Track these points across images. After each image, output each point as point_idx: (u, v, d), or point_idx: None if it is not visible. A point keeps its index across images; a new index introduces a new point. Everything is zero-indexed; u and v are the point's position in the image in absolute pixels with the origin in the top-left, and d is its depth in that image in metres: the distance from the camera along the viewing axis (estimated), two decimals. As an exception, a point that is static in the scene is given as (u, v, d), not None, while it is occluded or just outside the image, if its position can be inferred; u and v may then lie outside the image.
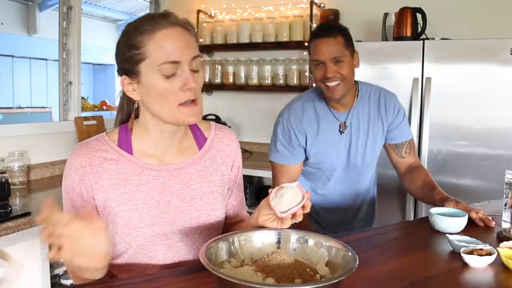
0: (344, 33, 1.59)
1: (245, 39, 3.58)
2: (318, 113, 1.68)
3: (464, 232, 1.28)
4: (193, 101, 1.01)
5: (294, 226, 1.02)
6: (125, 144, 1.07)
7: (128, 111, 1.11)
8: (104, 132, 1.10)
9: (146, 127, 1.07)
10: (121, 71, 1.04)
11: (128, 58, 1.00)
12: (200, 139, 1.16)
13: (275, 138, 1.72)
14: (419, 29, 2.71)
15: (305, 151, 1.70)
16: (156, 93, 0.99)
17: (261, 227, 1.06)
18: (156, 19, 0.99)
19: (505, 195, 1.24)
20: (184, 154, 1.12)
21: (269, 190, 1.00)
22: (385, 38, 2.86)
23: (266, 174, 2.95)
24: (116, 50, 1.04)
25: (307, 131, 1.67)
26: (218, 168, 1.15)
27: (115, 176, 1.04)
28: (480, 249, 1.07)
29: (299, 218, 0.97)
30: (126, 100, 1.11)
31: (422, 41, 2.49)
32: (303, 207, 0.96)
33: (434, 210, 1.34)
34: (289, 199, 0.96)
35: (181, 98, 0.99)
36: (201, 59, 1.04)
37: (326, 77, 1.56)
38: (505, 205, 1.24)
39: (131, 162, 1.06)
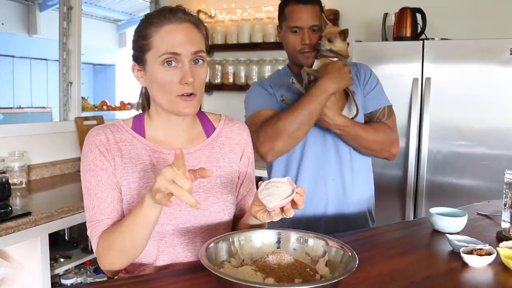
0: (320, 2, 1.58)
1: (245, 39, 3.58)
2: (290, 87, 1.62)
3: (464, 232, 1.28)
4: (191, 94, 1.05)
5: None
6: (138, 128, 1.14)
7: (146, 97, 1.18)
8: (120, 119, 1.17)
9: (154, 114, 1.13)
10: (133, 57, 1.11)
11: (138, 47, 1.07)
12: (209, 129, 1.20)
13: (249, 97, 1.63)
14: (419, 29, 2.71)
15: None
16: (157, 83, 1.05)
17: (257, 226, 1.06)
18: (165, 14, 1.04)
19: (504, 195, 1.24)
20: (193, 142, 1.16)
21: (259, 183, 0.99)
22: (385, 38, 2.87)
23: (265, 174, 2.95)
24: (132, 37, 1.11)
25: (277, 93, 1.61)
26: (226, 155, 1.18)
27: (128, 155, 1.09)
28: (480, 249, 1.07)
29: (289, 214, 0.95)
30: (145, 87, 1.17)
31: (421, 41, 2.50)
32: (293, 202, 0.95)
33: (434, 210, 1.34)
34: (280, 193, 0.95)
35: (179, 90, 1.04)
36: (205, 55, 1.08)
37: (304, 44, 1.53)
38: (505, 205, 1.24)
39: (143, 144, 1.11)
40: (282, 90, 1.62)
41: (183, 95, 1.04)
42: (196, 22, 1.08)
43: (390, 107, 1.63)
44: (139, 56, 1.07)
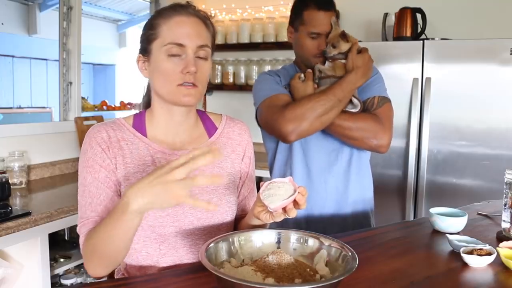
0: (335, 8, 1.58)
1: (245, 39, 3.58)
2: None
3: (464, 232, 1.28)
4: (193, 85, 1.05)
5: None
6: (139, 127, 1.13)
7: (149, 95, 1.17)
8: (120, 117, 1.16)
9: (157, 113, 1.13)
10: (139, 50, 1.12)
11: (145, 37, 1.09)
12: (210, 129, 1.20)
13: (260, 85, 1.60)
14: (419, 29, 2.71)
15: None
16: (160, 72, 1.06)
17: (259, 226, 1.06)
18: (176, 7, 1.07)
19: (504, 195, 1.24)
20: (195, 142, 1.15)
21: (261, 184, 0.99)
22: (385, 38, 2.87)
23: (266, 174, 2.95)
24: (142, 31, 1.12)
25: (284, 83, 1.61)
26: (228, 156, 1.18)
27: (130, 155, 1.08)
28: (480, 249, 1.07)
29: (292, 214, 0.95)
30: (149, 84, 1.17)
31: (422, 41, 2.49)
32: (295, 202, 0.95)
33: (434, 210, 1.34)
34: (282, 193, 0.95)
35: (180, 79, 1.04)
36: (210, 51, 1.09)
37: (321, 49, 1.53)
38: (505, 205, 1.24)
39: (145, 143, 1.11)
40: (287, 83, 1.62)
41: (183, 83, 1.04)
42: (204, 19, 1.10)
43: (382, 98, 1.56)
44: (145, 47, 1.08)
